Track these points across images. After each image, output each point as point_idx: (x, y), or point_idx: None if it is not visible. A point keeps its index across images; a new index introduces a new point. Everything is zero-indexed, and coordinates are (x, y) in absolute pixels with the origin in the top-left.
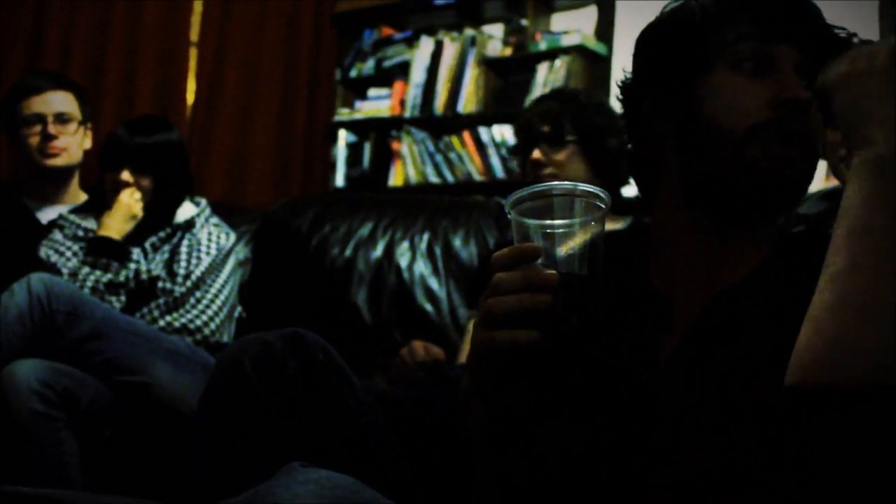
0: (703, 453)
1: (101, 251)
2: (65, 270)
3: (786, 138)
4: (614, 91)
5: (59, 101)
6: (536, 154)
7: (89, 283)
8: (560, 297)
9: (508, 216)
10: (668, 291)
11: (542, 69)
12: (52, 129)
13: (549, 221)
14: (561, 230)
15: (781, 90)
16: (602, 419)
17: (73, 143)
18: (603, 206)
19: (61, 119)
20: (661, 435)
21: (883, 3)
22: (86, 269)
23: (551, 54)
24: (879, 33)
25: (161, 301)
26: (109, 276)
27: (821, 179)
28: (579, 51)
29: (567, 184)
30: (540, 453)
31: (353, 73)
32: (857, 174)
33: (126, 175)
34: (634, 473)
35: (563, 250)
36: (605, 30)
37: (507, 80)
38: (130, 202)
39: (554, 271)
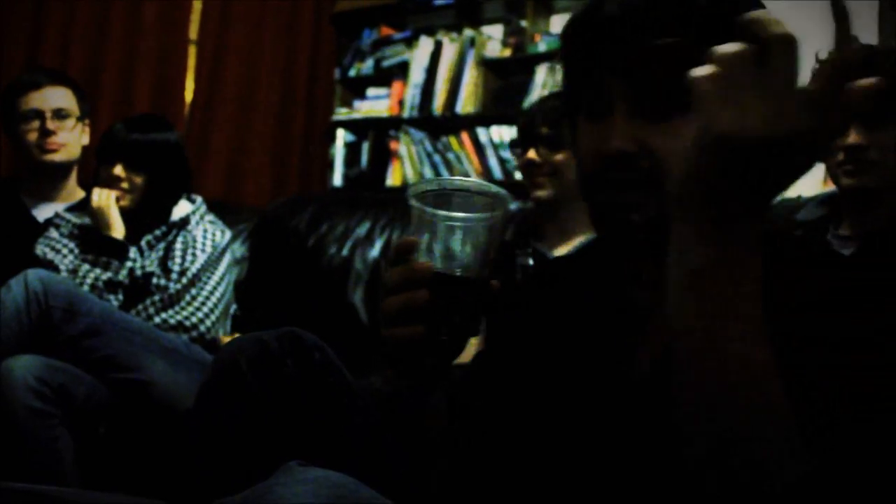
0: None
1: (101, 250)
2: (62, 267)
3: (614, 187)
4: None
5: (58, 97)
6: (531, 154)
7: (89, 281)
8: (441, 292)
9: (410, 205)
10: (648, 300)
11: (542, 71)
12: (50, 124)
13: (443, 213)
14: (455, 223)
15: (603, 140)
16: (579, 426)
17: (71, 139)
18: (503, 206)
19: (59, 115)
20: (640, 443)
21: (882, 6)
22: (86, 267)
23: (550, 56)
24: (878, 35)
25: (156, 298)
26: (109, 274)
27: (818, 183)
28: None
29: (469, 180)
30: (510, 453)
31: (352, 73)
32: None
33: (119, 170)
34: (606, 482)
35: (455, 244)
36: None
37: (505, 81)
38: (106, 203)
39: (429, 264)
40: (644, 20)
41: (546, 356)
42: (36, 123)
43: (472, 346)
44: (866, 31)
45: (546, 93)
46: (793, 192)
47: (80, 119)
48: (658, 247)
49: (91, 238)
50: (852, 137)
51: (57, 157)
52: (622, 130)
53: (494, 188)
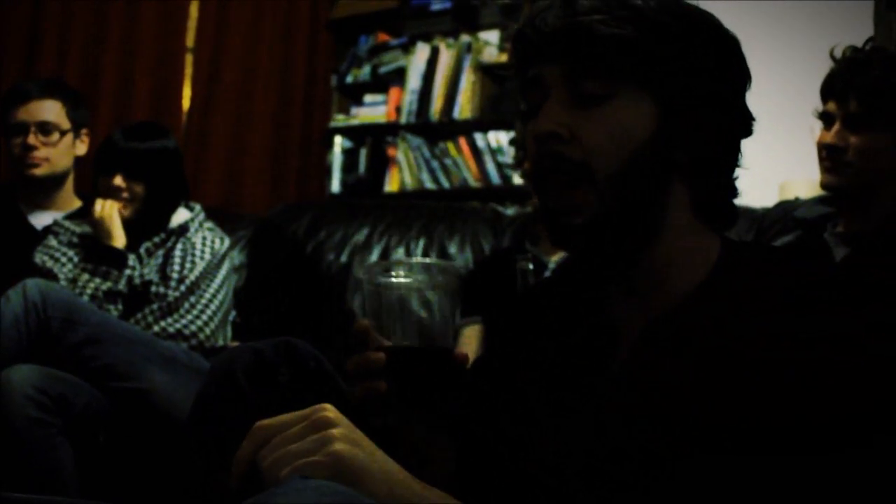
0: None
1: (101, 259)
2: (61, 276)
3: (545, 180)
4: None
5: (44, 110)
6: None
7: (89, 291)
8: (398, 371)
9: (360, 281)
10: (614, 313)
11: None
12: (31, 139)
13: (395, 281)
14: (405, 292)
15: (538, 125)
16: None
17: (55, 153)
18: (454, 274)
19: (44, 129)
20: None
21: (877, 6)
22: (85, 276)
23: None
24: (874, 36)
25: (155, 306)
26: (109, 283)
27: (815, 185)
28: None
29: (418, 259)
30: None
31: (349, 79)
32: None
33: (119, 180)
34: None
35: (409, 315)
36: None
37: (502, 86)
38: (109, 213)
39: (381, 354)
40: (582, 9)
41: (531, 366)
42: (21, 138)
43: (472, 349)
44: (862, 33)
45: None
46: (790, 194)
47: (69, 132)
48: (605, 244)
49: (91, 247)
50: (831, 137)
51: (38, 171)
52: (554, 112)
53: (444, 262)
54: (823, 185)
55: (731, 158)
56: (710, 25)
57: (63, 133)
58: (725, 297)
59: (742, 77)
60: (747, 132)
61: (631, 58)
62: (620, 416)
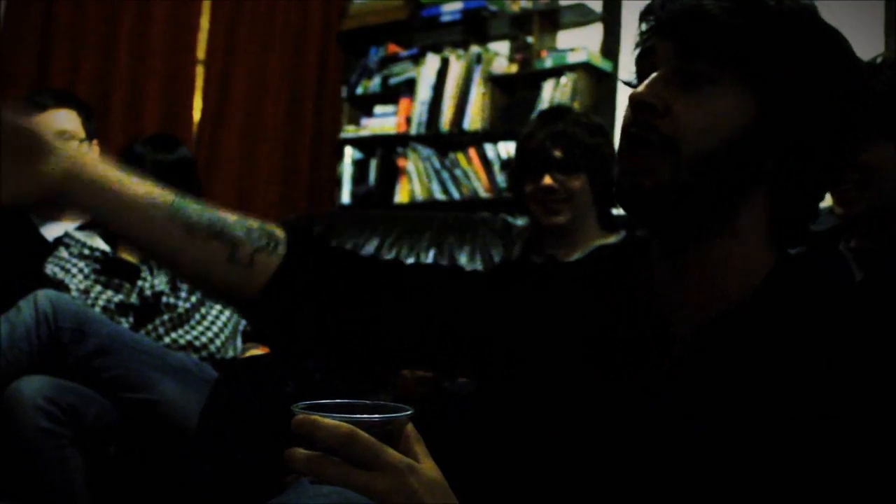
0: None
1: (114, 272)
2: (73, 287)
3: (629, 143)
4: (621, 107)
5: (62, 120)
6: (547, 180)
7: (101, 303)
8: None
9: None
10: (664, 310)
11: (548, 86)
12: None
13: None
14: None
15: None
16: (591, 441)
17: None
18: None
19: (63, 138)
20: (652, 461)
21: (889, 5)
22: (98, 288)
23: (557, 71)
24: (884, 35)
25: (166, 318)
26: (121, 296)
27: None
28: (585, 68)
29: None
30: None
31: (359, 91)
32: None
33: None
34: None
35: None
36: (610, 47)
37: (512, 97)
38: None
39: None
40: None
41: (553, 367)
42: None
43: None
44: (873, 34)
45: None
46: None
47: (84, 141)
48: (667, 219)
49: (103, 259)
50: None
51: None
52: (657, 86)
53: (393, 405)
54: (840, 217)
55: (823, 180)
56: (834, 41)
57: (80, 142)
58: (778, 309)
59: (854, 99)
60: (849, 154)
61: (742, 48)
62: (674, 415)
